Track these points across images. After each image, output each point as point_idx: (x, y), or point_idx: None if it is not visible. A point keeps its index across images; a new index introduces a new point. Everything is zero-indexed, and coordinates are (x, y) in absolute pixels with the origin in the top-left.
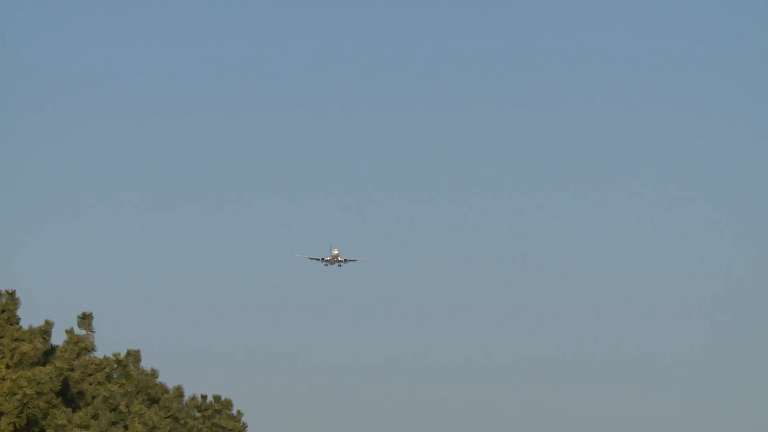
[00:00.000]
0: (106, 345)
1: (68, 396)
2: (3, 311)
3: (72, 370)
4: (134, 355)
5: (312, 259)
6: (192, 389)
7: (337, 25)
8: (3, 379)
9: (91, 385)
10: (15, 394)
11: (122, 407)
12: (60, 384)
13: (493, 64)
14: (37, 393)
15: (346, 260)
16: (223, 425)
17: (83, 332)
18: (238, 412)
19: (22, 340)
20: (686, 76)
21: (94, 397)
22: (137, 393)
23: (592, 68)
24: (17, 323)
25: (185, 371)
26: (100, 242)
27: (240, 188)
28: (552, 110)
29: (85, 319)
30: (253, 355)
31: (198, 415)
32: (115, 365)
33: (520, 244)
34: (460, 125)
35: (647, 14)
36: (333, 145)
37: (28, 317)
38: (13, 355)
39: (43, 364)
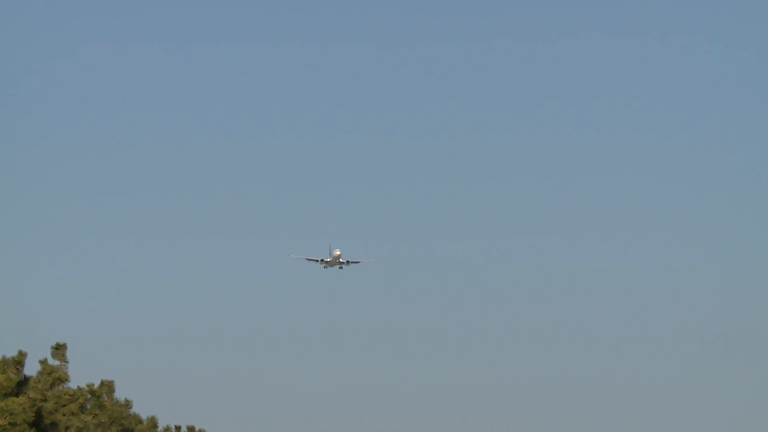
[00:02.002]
0: (80, 375)
1: (41, 427)
2: None
3: (45, 400)
4: (108, 386)
5: (310, 260)
6: (166, 420)
7: (337, 26)
8: None
9: (64, 415)
10: None
11: None
12: (33, 414)
13: (497, 69)
14: (10, 424)
15: (348, 262)
16: None
17: (57, 363)
18: None
19: None
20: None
21: (67, 428)
22: (111, 424)
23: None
24: None
25: (159, 402)
26: (75, 272)
27: (234, 192)
28: (554, 138)
29: (59, 349)
30: (228, 385)
31: None
32: (89, 396)
33: (522, 244)
34: (465, 126)
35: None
36: (335, 147)
37: (2, 347)
38: None
39: (17, 395)
